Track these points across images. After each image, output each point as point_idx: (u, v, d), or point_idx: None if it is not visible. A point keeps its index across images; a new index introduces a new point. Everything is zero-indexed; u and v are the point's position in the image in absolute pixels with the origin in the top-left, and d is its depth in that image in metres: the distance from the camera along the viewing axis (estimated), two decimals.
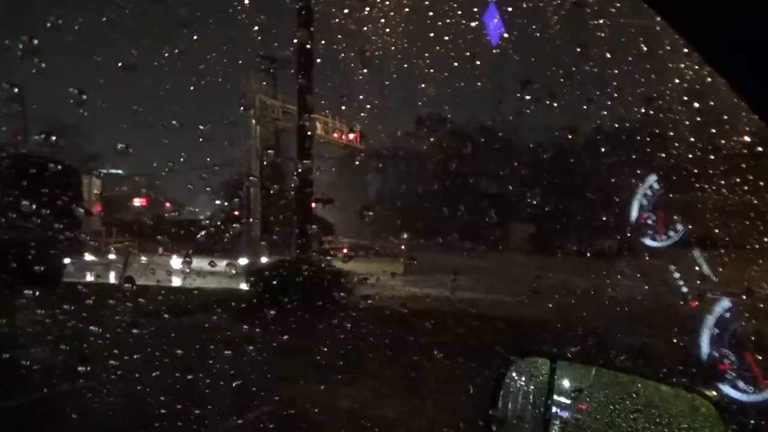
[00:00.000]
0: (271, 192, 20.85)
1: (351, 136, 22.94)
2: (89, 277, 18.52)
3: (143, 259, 22.37)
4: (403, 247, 24.92)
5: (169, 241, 23.12)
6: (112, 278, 19.59)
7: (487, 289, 13.38)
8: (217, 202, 26.31)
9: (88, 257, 21.24)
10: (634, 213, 4.52)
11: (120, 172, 32.24)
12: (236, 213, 23.51)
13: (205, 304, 11.30)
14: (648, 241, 4.66)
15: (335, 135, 22.06)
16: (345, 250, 22.55)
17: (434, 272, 16.98)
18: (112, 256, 23.18)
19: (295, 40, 13.53)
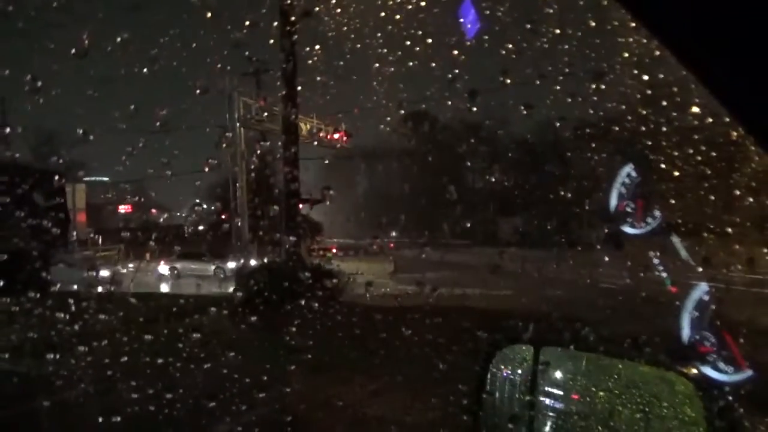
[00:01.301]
0: (258, 194, 20.76)
1: (336, 135, 22.92)
2: (75, 286, 18.31)
3: (130, 265, 22.20)
4: (391, 245, 24.98)
5: (157, 247, 22.97)
6: (100, 287, 19.40)
7: (474, 283, 13.43)
8: (204, 205, 26.18)
9: (74, 266, 21.02)
10: (613, 202, 4.59)
11: (105, 179, 32.01)
12: (224, 216, 23.40)
13: (194, 308, 11.24)
14: (628, 229, 4.74)
15: (321, 135, 22.01)
16: (334, 250, 22.53)
17: (423, 269, 17.03)
18: (99, 264, 22.97)
19: (279, 43, 13.49)
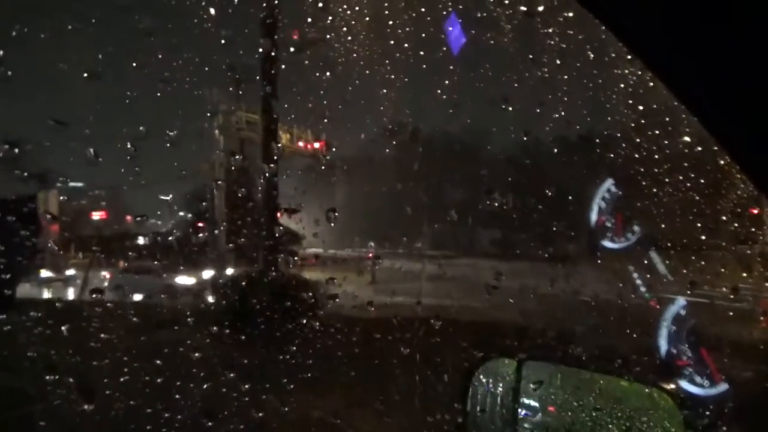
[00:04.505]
0: (236, 203, 20.56)
1: (317, 144, 22.86)
2: (46, 294, 17.87)
3: (104, 274, 21.74)
4: (370, 255, 24.97)
5: (131, 255, 22.56)
6: (71, 295, 18.94)
7: (454, 295, 13.48)
8: (181, 213, 25.82)
9: (46, 274, 20.51)
10: (593, 216, 4.68)
11: (79, 185, 31.24)
12: (200, 224, 23.10)
13: (170, 319, 11.05)
14: (607, 243, 4.84)
15: (300, 144, 21.93)
16: (313, 260, 22.38)
17: (401, 280, 16.99)
18: (71, 272, 22.42)
19: (260, 50, 13.46)
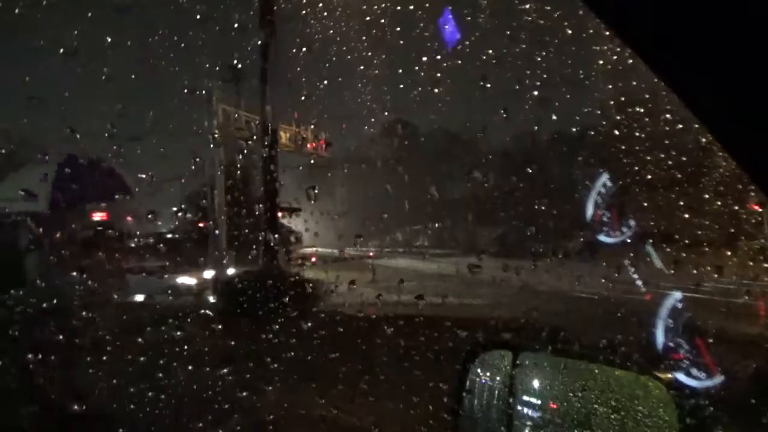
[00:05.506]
0: (236, 202, 20.56)
1: (317, 144, 22.84)
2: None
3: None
4: (371, 253, 24.97)
5: (132, 256, 22.55)
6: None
7: (454, 291, 13.49)
8: (180, 214, 25.79)
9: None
10: (589, 211, 4.69)
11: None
12: (201, 224, 23.11)
13: (170, 315, 11.08)
14: (604, 238, 4.86)
15: (300, 143, 21.92)
16: (313, 259, 22.36)
17: (403, 278, 17.00)
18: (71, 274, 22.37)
19: (259, 42, 13.47)
